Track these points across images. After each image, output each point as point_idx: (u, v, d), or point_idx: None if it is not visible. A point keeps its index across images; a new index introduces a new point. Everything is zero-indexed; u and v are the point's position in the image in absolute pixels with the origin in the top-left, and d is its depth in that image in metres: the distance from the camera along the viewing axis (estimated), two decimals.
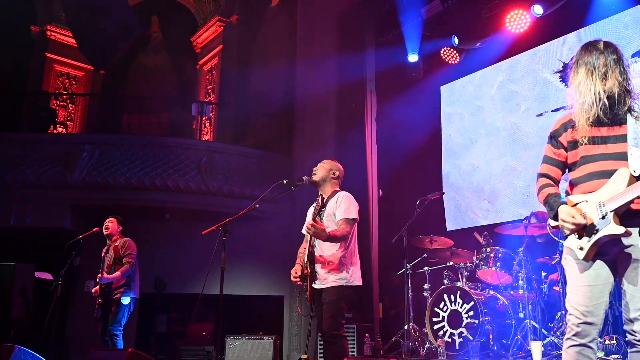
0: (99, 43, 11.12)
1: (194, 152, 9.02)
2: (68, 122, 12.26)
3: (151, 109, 13.04)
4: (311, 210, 4.08)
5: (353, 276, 3.82)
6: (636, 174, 2.23)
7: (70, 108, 12.38)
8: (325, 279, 3.77)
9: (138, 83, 13.12)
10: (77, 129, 12.22)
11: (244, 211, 4.19)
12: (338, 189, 4.08)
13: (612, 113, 2.34)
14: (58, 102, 12.25)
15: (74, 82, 12.82)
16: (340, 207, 3.82)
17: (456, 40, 7.63)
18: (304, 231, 4.07)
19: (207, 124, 12.39)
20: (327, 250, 3.80)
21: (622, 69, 2.36)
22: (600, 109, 2.33)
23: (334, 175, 4.09)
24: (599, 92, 2.33)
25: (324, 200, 3.95)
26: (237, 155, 9.30)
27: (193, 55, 13.72)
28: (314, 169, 4.09)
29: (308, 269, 3.76)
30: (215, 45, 13.11)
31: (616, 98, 2.33)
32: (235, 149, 9.56)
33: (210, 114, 12.06)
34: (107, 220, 6.09)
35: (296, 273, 3.82)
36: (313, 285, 3.77)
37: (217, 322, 8.15)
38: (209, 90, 13.02)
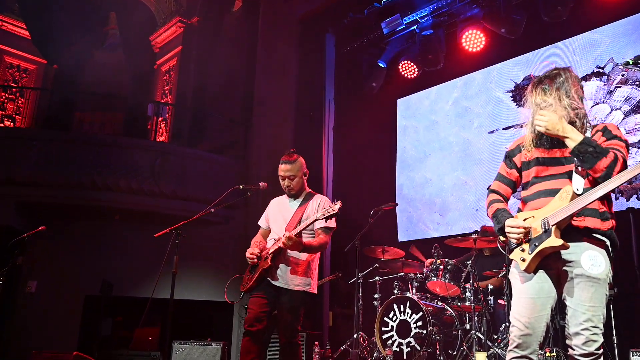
0: (53, 36, 10.80)
1: (148, 153, 8.84)
2: (16, 116, 11.82)
3: (105, 107, 12.71)
4: (279, 206, 3.89)
5: (313, 283, 3.77)
6: (579, 192, 2.37)
7: (20, 102, 11.95)
8: (291, 280, 3.64)
9: (92, 79, 12.77)
10: (26, 123, 11.78)
11: (198, 215, 4.15)
12: (310, 189, 3.90)
13: (556, 139, 2.47)
14: (7, 95, 11.79)
15: (24, 75, 12.38)
16: (320, 214, 3.52)
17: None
18: (261, 223, 4.01)
19: (163, 125, 12.19)
20: (299, 252, 3.64)
21: (567, 102, 2.48)
22: (544, 137, 2.50)
23: (305, 174, 3.85)
24: None
25: (300, 200, 3.80)
26: (192, 159, 9.18)
27: (151, 54, 13.48)
28: (286, 183, 3.78)
29: (269, 262, 3.60)
30: (174, 46, 12.94)
31: None
32: (191, 152, 9.45)
33: (167, 115, 11.88)
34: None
35: (252, 254, 3.70)
36: (274, 282, 3.63)
37: (164, 326, 7.99)
38: (166, 91, 12.83)
